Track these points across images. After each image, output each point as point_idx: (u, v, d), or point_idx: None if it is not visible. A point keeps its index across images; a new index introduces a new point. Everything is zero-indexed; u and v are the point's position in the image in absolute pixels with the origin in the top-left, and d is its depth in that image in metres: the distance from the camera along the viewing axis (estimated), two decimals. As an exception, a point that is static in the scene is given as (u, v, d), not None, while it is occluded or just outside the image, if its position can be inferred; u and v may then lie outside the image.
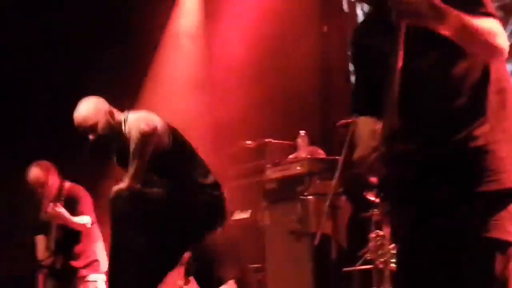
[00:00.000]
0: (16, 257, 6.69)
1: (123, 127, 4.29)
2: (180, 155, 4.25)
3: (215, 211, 4.28)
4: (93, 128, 4.25)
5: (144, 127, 4.05)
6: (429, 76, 2.22)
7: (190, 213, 4.18)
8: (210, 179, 4.30)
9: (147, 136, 4.01)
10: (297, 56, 6.83)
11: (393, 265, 4.95)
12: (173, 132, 4.29)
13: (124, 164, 4.28)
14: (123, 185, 4.04)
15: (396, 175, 2.24)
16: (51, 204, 5.72)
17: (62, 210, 5.72)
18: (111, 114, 4.31)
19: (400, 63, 2.14)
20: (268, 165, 6.60)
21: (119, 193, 4.02)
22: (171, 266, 4.47)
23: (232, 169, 5.72)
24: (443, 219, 2.18)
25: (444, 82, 2.22)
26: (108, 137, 4.29)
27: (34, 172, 5.92)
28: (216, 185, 4.32)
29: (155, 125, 4.08)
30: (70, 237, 5.93)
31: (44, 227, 6.05)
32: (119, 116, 4.33)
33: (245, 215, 5.51)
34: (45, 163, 6.00)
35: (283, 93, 6.81)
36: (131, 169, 4.04)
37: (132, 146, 4.04)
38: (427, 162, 2.20)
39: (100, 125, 4.25)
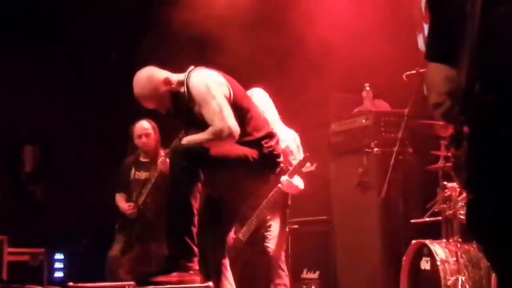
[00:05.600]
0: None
1: (184, 90, 4.21)
2: (235, 113, 4.18)
3: (268, 162, 4.28)
4: (159, 105, 4.27)
5: (230, 128, 4.00)
6: (508, 22, 2.17)
7: (244, 166, 4.19)
8: (263, 132, 4.27)
9: (225, 138, 4.02)
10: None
11: (462, 216, 4.94)
12: (232, 89, 4.21)
13: (188, 124, 4.33)
14: (181, 144, 4.13)
15: (472, 125, 2.19)
16: (162, 157, 5.91)
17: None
18: (167, 82, 4.21)
19: (478, 9, 2.10)
20: (333, 118, 6.64)
21: (176, 148, 4.10)
22: (231, 220, 4.53)
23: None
24: None
25: None
26: (173, 105, 4.27)
27: (143, 124, 6.26)
28: (269, 137, 4.29)
29: (234, 128, 4.03)
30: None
31: (134, 185, 6.31)
32: (177, 78, 4.26)
33: (311, 168, 5.53)
34: (150, 121, 6.28)
35: (347, 47, 6.74)
36: (197, 139, 4.06)
37: (211, 130, 4.03)
38: (504, 112, 2.09)
39: (163, 99, 4.24)
